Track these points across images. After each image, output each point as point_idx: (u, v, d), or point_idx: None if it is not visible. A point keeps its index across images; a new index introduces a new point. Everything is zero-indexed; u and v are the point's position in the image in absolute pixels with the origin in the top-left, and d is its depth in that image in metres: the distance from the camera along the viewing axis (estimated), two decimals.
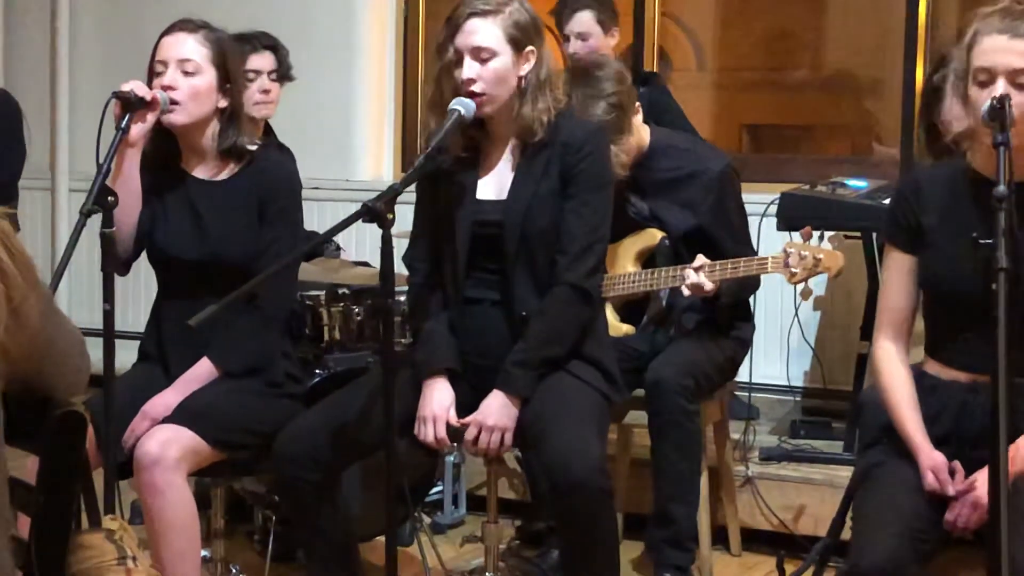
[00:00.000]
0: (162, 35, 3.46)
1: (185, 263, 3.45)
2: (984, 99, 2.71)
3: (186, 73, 3.39)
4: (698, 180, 4.04)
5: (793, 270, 3.76)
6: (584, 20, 5.04)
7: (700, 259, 3.81)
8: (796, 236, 3.85)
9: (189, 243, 3.45)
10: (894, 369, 2.96)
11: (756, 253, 4.10)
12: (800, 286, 3.81)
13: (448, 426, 3.22)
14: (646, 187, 4.10)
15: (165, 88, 3.38)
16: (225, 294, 2.97)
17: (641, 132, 4.09)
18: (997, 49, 2.74)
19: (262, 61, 4.47)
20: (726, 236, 3.99)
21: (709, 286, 3.78)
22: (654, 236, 4.08)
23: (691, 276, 3.79)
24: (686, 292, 3.83)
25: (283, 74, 4.55)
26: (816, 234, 3.80)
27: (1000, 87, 2.71)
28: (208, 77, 3.42)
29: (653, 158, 4.10)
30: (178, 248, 3.45)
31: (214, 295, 3.05)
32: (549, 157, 3.26)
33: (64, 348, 2.12)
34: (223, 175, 3.50)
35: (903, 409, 2.91)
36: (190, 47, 3.41)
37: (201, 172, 3.51)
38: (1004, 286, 2.46)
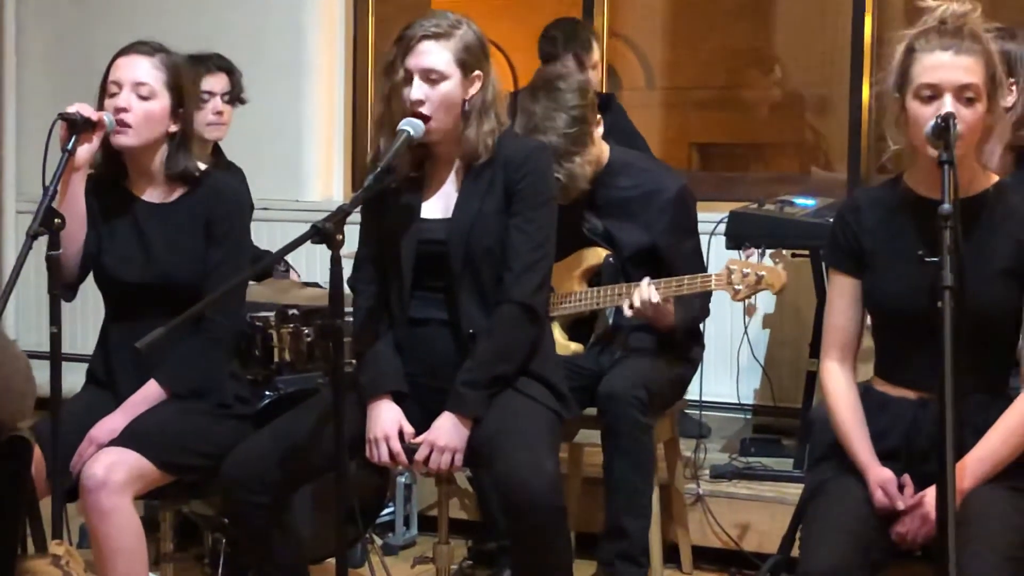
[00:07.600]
0: (117, 55, 3.43)
1: (132, 286, 3.43)
2: (929, 115, 2.73)
3: (141, 97, 3.37)
4: (655, 200, 4.04)
5: (736, 287, 3.77)
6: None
7: (646, 280, 3.81)
8: (740, 253, 3.86)
9: (136, 266, 3.43)
10: (841, 390, 2.99)
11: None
12: (745, 303, 3.82)
13: (401, 442, 3.21)
14: (601, 205, 4.09)
15: (118, 110, 3.36)
16: (173, 316, 2.94)
17: (602, 147, 4.09)
18: (942, 65, 2.75)
19: (216, 83, 4.46)
20: (677, 257, 3.97)
21: (657, 298, 3.77)
22: (599, 254, 4.07)
23: (637, 297, 3.79)
24: (628, 313, 3.83)
25: (236, 96, 4.55)
26: (757, 251, 3.82)
27: (947, 103, 2.73)
28: (162, 101, 3.40)
29: (611, 176, 4.09)
30: (125, 271, 3.43)
31: (162, 317, 3.01)
32: (493, 175, 3.27)
33: (8, 373, 2.10)
34: (170, 198, 3.48)
35: (850, 430, 2.94)
36: (145, 70, 3.39)
37: (149, 195, 3.48)
38: (950, 304, 2.49)
